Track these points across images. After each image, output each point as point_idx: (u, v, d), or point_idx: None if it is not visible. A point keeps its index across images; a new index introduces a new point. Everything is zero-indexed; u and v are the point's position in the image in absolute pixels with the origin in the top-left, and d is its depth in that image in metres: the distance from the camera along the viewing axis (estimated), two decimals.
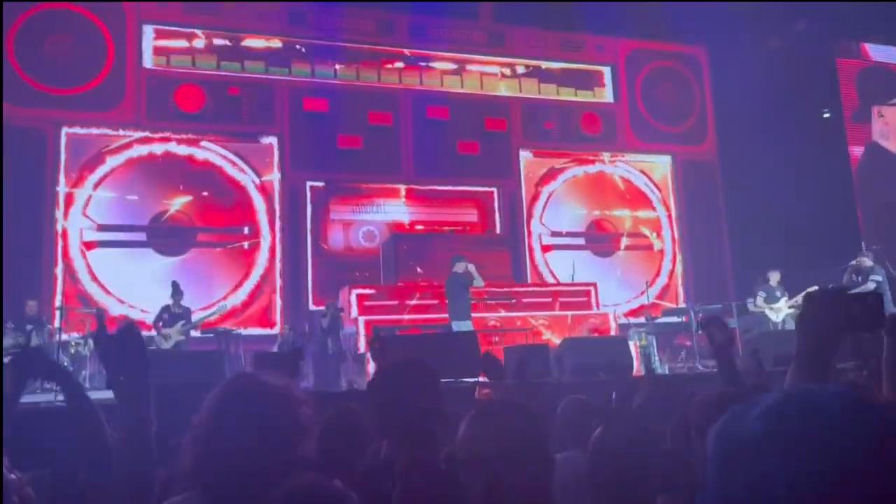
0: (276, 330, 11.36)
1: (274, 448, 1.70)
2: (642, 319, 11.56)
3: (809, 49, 13.91)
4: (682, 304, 12.67)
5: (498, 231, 13.02)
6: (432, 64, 13.21)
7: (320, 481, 1.55)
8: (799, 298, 9.88)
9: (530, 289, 11.50)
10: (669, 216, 14.08)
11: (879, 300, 1.36)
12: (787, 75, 13.02)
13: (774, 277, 10.57)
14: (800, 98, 13.23)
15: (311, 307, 11.48)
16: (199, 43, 12.01)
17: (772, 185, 12.41)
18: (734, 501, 0.72)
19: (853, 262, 10.21)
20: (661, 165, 14.24)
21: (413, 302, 10.15)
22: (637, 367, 9.27)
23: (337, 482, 1.57)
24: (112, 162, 11.21)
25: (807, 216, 12.34)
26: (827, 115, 14.59)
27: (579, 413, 3.44)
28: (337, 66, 12.65)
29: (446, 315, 9.94)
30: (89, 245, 10.91)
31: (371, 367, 8.84)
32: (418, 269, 10.65)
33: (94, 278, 10.80)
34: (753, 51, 13.21)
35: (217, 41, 12.11)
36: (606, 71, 14.22)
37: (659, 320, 11.30)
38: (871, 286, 9.74)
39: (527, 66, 13.74)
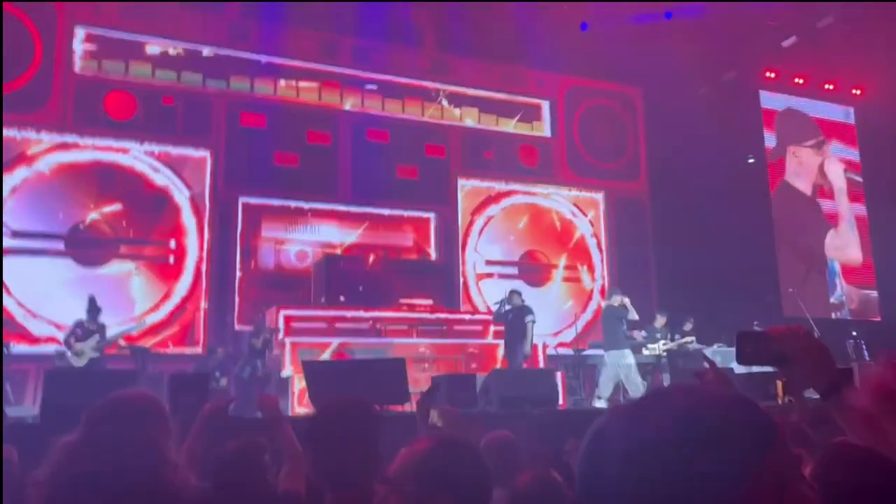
0: (198, 349, 10.97)
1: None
2: (570, 352, 11.70)
3: (737, 96, 14.58)
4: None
5: (433, 257, 13.00)
6: (374, 87, 13.19)
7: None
8: (676, 343, 10.93)
9: (462, 316, 11.48)
10: (600, 250, 14.36)
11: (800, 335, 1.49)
12: (717, 119, 13.55)
13: (660, 321, 11.29)
14: (727, 142, 13.78)
15: (237, 327, 11.14)
16: (134, 49, 11.65)
17: (699, 225, 12.84)
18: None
19: (504, 298, 10.63)
20: (594, 200, 14.54)
21: (343, 325, 9.98)
22: (563, 401, 9.38)
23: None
24: (33, 166, 10.69)
25: (729, 257, 12.81)
26: (752, 161, 15.24)
27: (504, 451, 3.38)
28: (277, 83, 12.48)
29: (376, 339, 9.86)
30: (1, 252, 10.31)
31: (296, 391, 8.64)
32: (341, 298, 10.43)
33: (4, 287, 10.21)
34: (686, 94, 13.71)
35: (153, 49, 11.79)
36: (545, 105, 14.49)
37: (586, 352, 11.46)
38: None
39: (468, 96, 13.88)
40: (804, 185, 15.85)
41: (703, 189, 12.78)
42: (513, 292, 10.37)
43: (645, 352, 10.94)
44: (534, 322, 10.10)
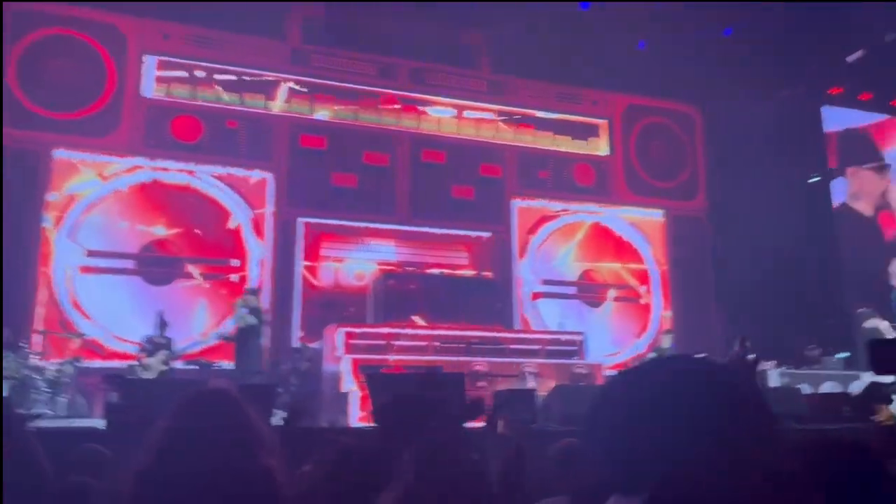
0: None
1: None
2: None
3: (799, 113, 14.25)
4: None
5: (489, 276, 12.99)
6: (430, 108, 13.36)
7: None
8: None
9: (518, 335, 11.42)
10: (659, 269, 14.13)
11: None
12: (777, 137, 13.27)
13: (667, 340, 11.60)
14: (788, 159, 13.47)
15: (296, 343, 11.32)
16: (200, 75, 12.08)
17: (760, 243, 12.55)
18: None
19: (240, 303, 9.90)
20: (652, 219, 14.35)
21: (400, 343, 10.04)
22: None
23: None
24: (104, 188, 11.15)
25: (791, 277, 12.46)
26: (815, 180, 14.82)
27: (571, 456, 3.36)
28: (336, 106, 12.75)
29: (433, 357, 9.88)
30: (75, 270, 10.75)
31: (352, 406, 8.71)
32: (409, 314, 10.54)
33: (76, 304, 10.62)
34: (745, 112, 13.48)
35: (217, 75, 12.20)
36: (602, 124, 14.43)
37: None
38: None
39: (523, 115, 13.91)
40: (864, 207, 15.32)
41: (763, 207, 12.51)
42: (248, 293, 9.30)
43: None
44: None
